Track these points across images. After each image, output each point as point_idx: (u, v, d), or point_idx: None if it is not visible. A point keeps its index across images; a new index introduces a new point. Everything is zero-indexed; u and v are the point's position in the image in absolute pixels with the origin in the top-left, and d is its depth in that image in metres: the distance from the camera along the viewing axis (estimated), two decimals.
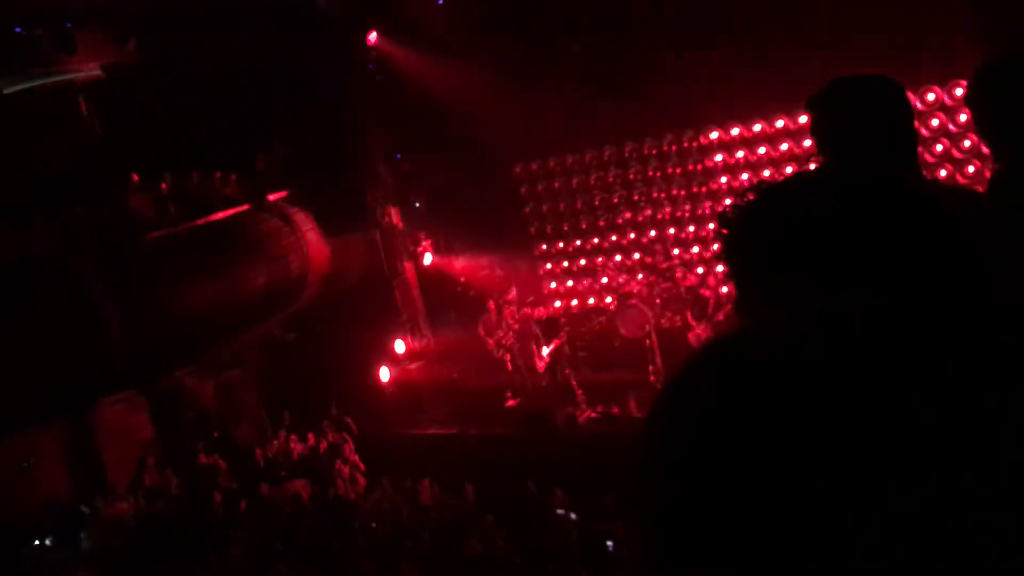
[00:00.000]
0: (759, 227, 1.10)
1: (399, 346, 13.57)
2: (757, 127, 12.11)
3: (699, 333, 10.95)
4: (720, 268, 12.07)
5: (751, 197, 1.15)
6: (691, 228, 12.85)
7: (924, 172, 3.27)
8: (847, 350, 0.74)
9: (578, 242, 13.85)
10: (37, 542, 10.39)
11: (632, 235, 13.28)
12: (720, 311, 11.09)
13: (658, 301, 12.09)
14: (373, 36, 13.43)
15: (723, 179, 12.53)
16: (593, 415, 11.28)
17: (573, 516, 9.55)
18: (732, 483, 0.71)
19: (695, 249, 12.77)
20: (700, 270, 12.52)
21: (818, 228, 1.02)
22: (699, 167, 12.66)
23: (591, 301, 13.74)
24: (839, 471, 0.68)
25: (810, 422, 0.70)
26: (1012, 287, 0.90)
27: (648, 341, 11.50)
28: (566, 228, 13.92)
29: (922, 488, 0.67)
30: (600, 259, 13.45)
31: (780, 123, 11.93)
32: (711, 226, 12.56)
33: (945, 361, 0.73)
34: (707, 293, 11.41)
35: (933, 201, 1.00)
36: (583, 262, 13.83)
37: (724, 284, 11.60)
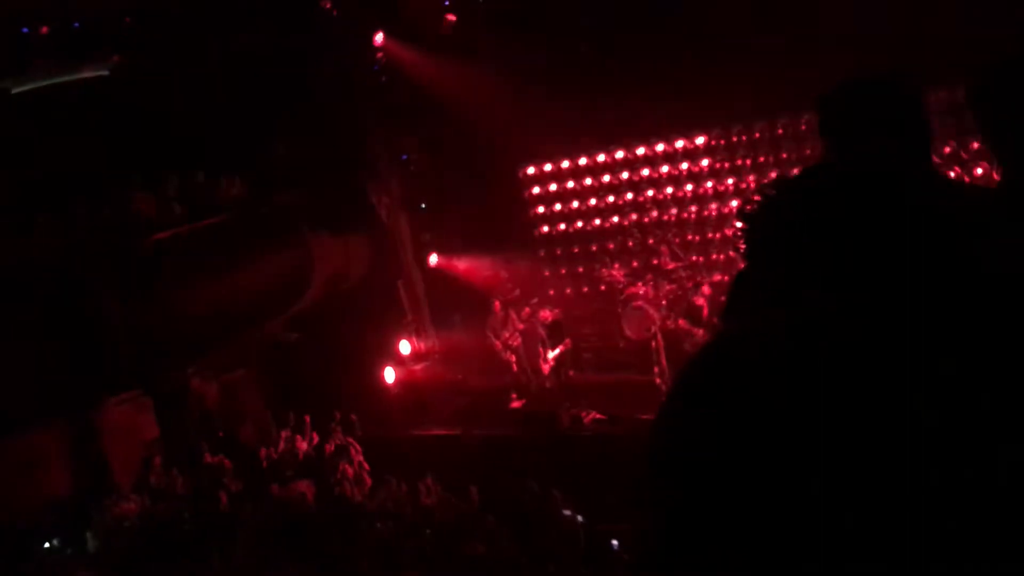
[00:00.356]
0: (766, 224, 1.10)
1: (404, 347, 13.54)
2: (764, 129, 12.07)
3: (698, 340, 10.92)
4: (715, 277, 12.12)
5: (769, 193, 1.15)
6: (697, 230, 12.79)
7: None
8: (847, 351, 0.74)
9: (584, 244, 13.79)
10: (47, 545, 10.35)
11: (638, 236, 13.21)
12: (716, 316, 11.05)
13: (664, 303, 12.03)
14: (379, 37, 13.39)
15: (729, 180, 12.48)
16: (598, 416, 11.24)
17: (578, 518, 9.52)
18: (732, 484, 0.70)
19: (701, 251, 12.71)
20: (705, 273, 12.46)
21: (819, 227, 1.01)
22: (706, 168, 12.61)
23: (596, 303, 13.68)
24: (839, 472, 0.67)
25: (810, 423, 0.70)
26: (1012, 289, 0.88)
27: (653, 343, 11.47)
28: (573, 229, 13.87)
29: (922, 488, 0.66)
30: (606, 260, 13.38)
31: (787, 125, 11.88)
32: (717, 229, 12.56)
33: (945, 361, 0.73)
34: (700, 301, 11.40)
35: (934, 201, 1.00)
36: (589, 264, 13.76)
37: (720, 292, 11.62)
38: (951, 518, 0.66)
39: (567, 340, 12.28)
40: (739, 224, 1.14)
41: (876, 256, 0.93)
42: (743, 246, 1.14)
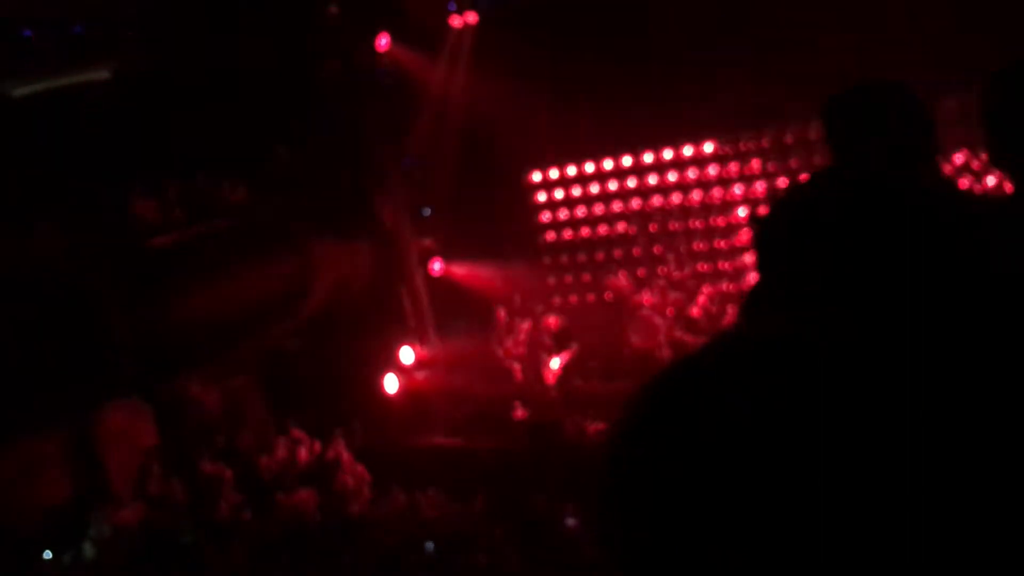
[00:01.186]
0: (772, 228, 1.09)
1: (406, 355, 13.43)
2: (773, 136, 12.00)
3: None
4: (722, 287, 12.08)
5: (779, 198, 1.14)
6: (704, 239, 12.71)
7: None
8: (847, 354, 0.72)
9: (590, 251, 13.70)
10: (50, 555, 10.27)
11: (645, 244, 13.12)
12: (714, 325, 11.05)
13: (670, 311, 11.96)
14: (383, 41, 13.33)
15: (737, 189, 12.39)
16: (603, 426, 11.14)
17: (581, 528, 9.46)
18: (728, 488, 0.68)
19: (708, 260, 12.64)
20: (712, 281, 12.39)
21: (821, 230, 0.99)
22: (714, 176, 12.53)
23: (602, 311, 13.59)
24: (839, 477, 0.65)
25: (810, 426, 0.67)
26: (1012, 295, 0.86)
27: (660, 351, 11.39)
28: (579, 237, 13.78)
29: (923, 494, 0.64)
30: (612, 268, 13.30)
31: (796, 134, 11.80)
32: (724, 238, 12.49)
33: (947, 364, 0.71)
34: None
35: (937, 204, 0.97)
36: (595, 271, 13.67)
37: (724, 301, 11.65)
38: (951, 523, 0.64)
39: (573, 348, 12.18)
40: (750, 229, 1.13)
41: (877, 259, 0.91)
42: (755, 252, 1.12)
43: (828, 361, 0.71)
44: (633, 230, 13.26)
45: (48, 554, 10.16)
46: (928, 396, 0.68)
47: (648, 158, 12.98)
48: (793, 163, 11.80)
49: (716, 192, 12.53)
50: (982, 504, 0.65)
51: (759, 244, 1.11)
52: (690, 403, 0.75)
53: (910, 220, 0.92)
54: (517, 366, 12.40)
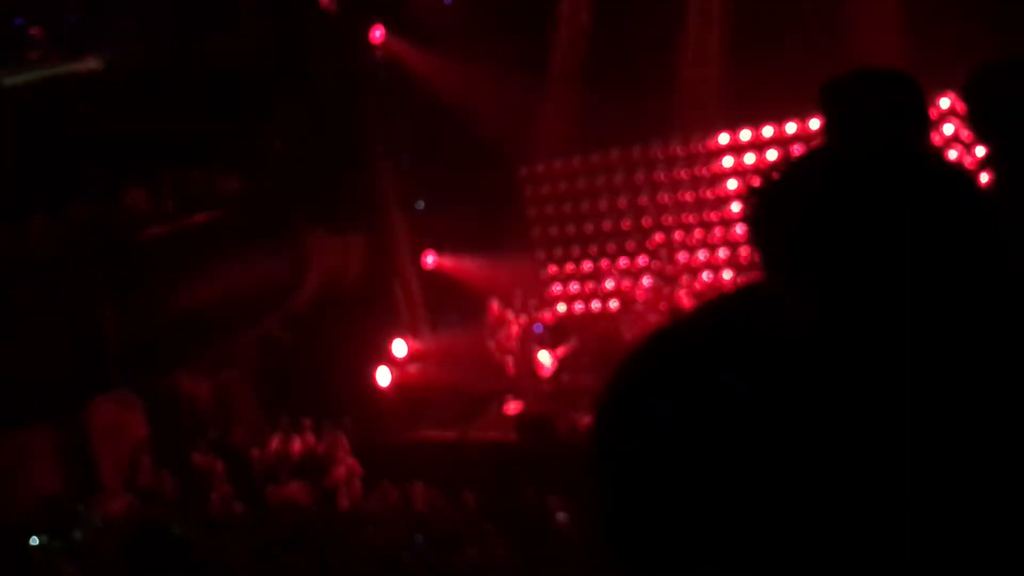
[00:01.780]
0: (770, 212, 1.07)
1: (399, 348, 13.41)
2: (768, 131, 11.97)
3: None
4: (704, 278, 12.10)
5: (777, 176, 1.11)
6: (697, 233, 12.70)
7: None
8: (847, 351, 0.70)
9: (583, 246, 13.69)
10: (36, 540, 10.23)
11: (638, 239, 13.12)
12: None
13: (663, 306, 11.95)
14: (378, 34, 13.30)
15: (732, 184, 12.39)
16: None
17: (572, 522, 9.45)
18: (722, 483, 0.66)
19: (701, 255, 12.63)
20: (705, 276, 12.39)
21: (822, 217, 0.97)
22: (707, 171, 12.51)
23: (595, 305, 13.59)
24: (838, 477, 0.63)
25: (810, 423, 0.65)
26: (1011, 291, 0.85)
27: None
28: (571, 231, 13.77)
29: (922, 488, 0.63)
30: (605, 263, 13.29)
31: (792, 127, 11.78)
32: (717, 232, 12.49)
33: (945, 361, 0.71)
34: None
35: (934, 198, 0.95)
36: (588, 266, 13.66)
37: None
38: (951, 520, 0.63)
39: (565, 343, 12.17)
40: (751, 202, 1.11)
41: (879, 252, 0.89)
42: (754, 239, 1.10)
43: (827, 349, 0.70)
44: (626, 224, 13.24)
45: (35, 540, 10.11)
46: (928, 391, 0.67)
47: (641, 153, 12.97)
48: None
49: (708, 187, 12.52)
50: (981, 499, 0.64)
51: (757, 228, 1.09)
52: (680, 381, 0.72)
53: (911, 211, 0.90)
54: (510, 360, 12.39)
